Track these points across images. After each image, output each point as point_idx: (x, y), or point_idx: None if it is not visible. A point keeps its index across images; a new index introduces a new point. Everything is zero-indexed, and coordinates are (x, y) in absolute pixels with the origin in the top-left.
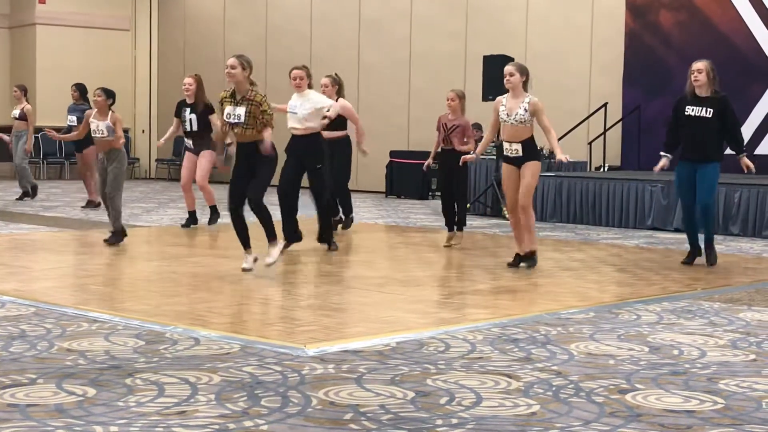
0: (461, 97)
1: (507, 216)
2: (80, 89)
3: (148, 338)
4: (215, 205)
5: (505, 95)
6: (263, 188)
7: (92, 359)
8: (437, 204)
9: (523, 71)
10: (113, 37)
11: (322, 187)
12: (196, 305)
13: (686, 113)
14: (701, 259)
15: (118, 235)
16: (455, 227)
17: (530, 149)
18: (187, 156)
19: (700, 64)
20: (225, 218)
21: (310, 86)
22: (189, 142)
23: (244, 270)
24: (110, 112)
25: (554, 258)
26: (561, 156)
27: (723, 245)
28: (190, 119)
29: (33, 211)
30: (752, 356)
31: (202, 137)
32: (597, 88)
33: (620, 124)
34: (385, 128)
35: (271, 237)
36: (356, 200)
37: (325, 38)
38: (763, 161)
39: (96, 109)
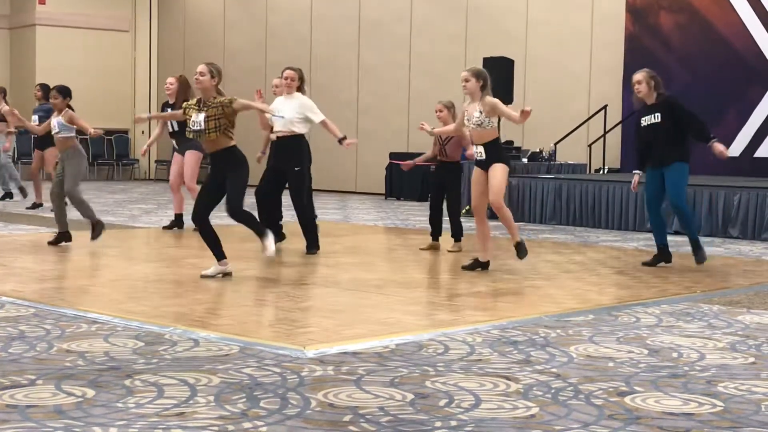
0: (449, 107)
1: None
2: (44, 89)
3: (148, 339)
4: (182, 214)
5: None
6: (240, 197)
7: (91, 360)
8: None
9: (480, 76)
10: (113, 38)
11: (301, 188)
12: (196, 307)
13: (642, 124)
14: (690, 262)
15: (99, 227)
16: (453, 238)
17: (494, 151)
18: (175, 157)
19: (638, 76)
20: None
21: (300, 90)
22: (173, 143)
23: (203, 276)
24: (66, 109)
25: (554, 260)
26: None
27: (722, 248)
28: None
29: (33, 212)
30: (751, 359)
31: (186, 137)
32: (597, 90)
33: (620, 126)
34: (384, 130)
35: (260, 232)
36: (356, 202)
37: (325, 40)
38: (763, 164)
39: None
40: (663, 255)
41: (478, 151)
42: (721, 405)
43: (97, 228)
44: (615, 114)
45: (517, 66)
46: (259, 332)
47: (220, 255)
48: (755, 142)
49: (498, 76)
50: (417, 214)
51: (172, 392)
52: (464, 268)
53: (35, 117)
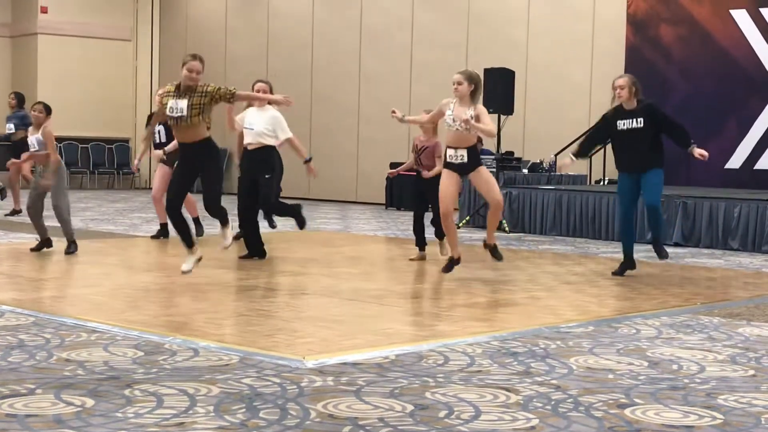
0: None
1: (507, 229)
2: (18, 97)
3: (147, 349)
4: (198, 217)
5: (451, 98)
6: (219, 192)
7: (91, 369)
8: None
9: (472, 80)
10: (114, 47)
11: (269, 194)
12: (195, 316)
13: (619, 128)
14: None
15: (73, 247)
16: (438, 238)
17: (476, 155)
18: (161, 168)
19: (621, 81)
20: (210, 228)
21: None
22: (160, 154)
23: (183, 272)
24: (44, 126)
25: (553, 271)
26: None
27: (722, 260)
28: (159, 131)
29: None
30: (751, 372)
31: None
32: (597, 101)
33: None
34: (385, 139)
35: (224, 222)
36: (356, 212)
37: (326, 48)
38: (763, 176)
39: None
40: (630, 263)
41: (460, 155)
42: (721, 417)
43: (71, 247)
44: None
45: (518, 76)
46: (259, 342)
47: (190, 243)
48: (755, 154)
49: (498, 86)
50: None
51: (172, 402)
52: (446, 270)
53: (10, 125)
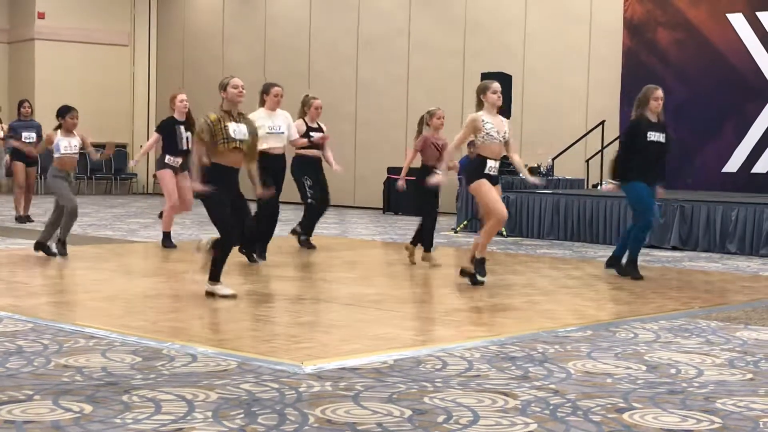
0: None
1: (505, 234)
2: (32, 106)
3: (145, 355)
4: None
5: (482, 113)
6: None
7: (89, 375)
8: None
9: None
10: (112, 52)
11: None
12: (194, 321)
13: (649, 138)
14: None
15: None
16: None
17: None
18: (171, 175)
19: (661, 92)
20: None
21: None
22: (176, 161)
23: (223, 296)
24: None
25: (551, 276)
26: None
27: (720, 263)
28: (187, 137)
29: (30, 226)
30: (749, 375)
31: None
32: (594, 105)
33: (617, 141)
34: (382, 144)
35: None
36: (354, 216)
37: (324, 55)
38: (760, 180)
39: (65, 129)
40: (635, 267)
41: (497, 166)
42: (719, 421)
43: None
44: (612, 129)
45: (515, 81)
46: (257, 347)
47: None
48: (752, 157)
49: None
50: (415, 228)
51: (170, 408)
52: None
53: (29, 134)
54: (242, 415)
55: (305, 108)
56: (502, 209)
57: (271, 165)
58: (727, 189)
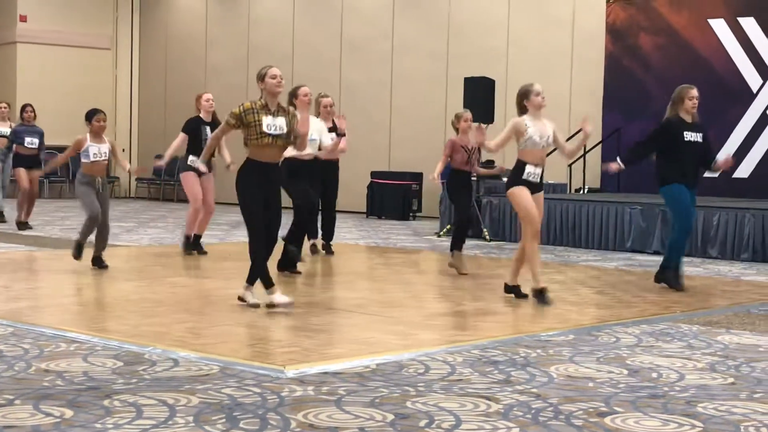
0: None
1: (488, 238)
2: (35, 110)
3: (127, 359)
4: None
5: (525, 117)
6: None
7: (70, 380)
8: (418, 225)
9: None
10: (94, 55)
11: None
12: (176, 326)
13: (686, 138)
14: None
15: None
16: (457, 249)
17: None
18: (195, 177)
19: (696, 92)
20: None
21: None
22: (201, 163)
23: (248, 304)
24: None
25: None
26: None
27: (701, 268)
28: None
29: (11, 229)
30: (731, 379)
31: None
32: (577, 110)
33: (600, 146)
34: (366, 148)
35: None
36: (337, 220)
37: (307, 58)
38: (741, 185)
39: (91, 134)
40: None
41: (539, 173)
42: (700, 426)
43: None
44: (595, 134)
45: (498, 85)
46: (239, 352)
47: (269, 282)
48: (734, 163)
49: (478, 95)
50: (398, 232)
51: (151, 413)
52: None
53: (32, 140)
54: (224, 420)
55: (317, 108)
56: (534, 218)
57: (300, 169)
58: (708, 194)
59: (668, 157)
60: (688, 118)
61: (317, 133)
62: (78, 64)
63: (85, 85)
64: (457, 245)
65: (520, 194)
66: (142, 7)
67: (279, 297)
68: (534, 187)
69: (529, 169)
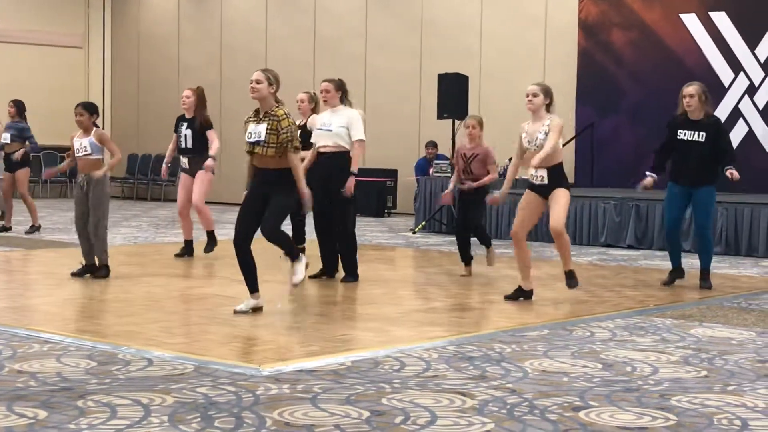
0: (481, 124)
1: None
2: (18, 106)
3: (101, 359)
4: (213, 231)
5: (527, 121)
6: (280, 220)
7: (43, 381)
8: (393, 222)
9: (548, 93)
10: (66, 54)
11: (348, 212)
12: (149, 325)
13: (678, 137)
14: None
15: (104, 271)
16: (485, 246)
17: (558, 176)
18: (183, 178)
19: (691, 89)
20: (221, 244)
21: (343, 102)
22: (184, 162)
23: (236, 312)
24: (94, 128)
25: (509, 275)
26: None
27: None
28: (186, 135)
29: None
30: (704, 372)
31: (201, 155)
32: None
33: (573, 141)
34: None
35: (293, 255)
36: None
37: (280, 57)
38: None
39: (81, 130)
40: (679, 272)
41: (540, 175)
42: (674, 419)
43: (102, 270)
44: (568, 130)
45: (472, 81)
46: (214, 351)
47: (254, 287)
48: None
49: (452, 91)
50: (373, 229)
51: (126, 413)
52: (507, 298)
53: (6, 135)
54: (199, 419)
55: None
56: (515, 222)
57: (317, 165)
58: None
59: (666, 153)
60: (692, 116)
61: (341, 123)
62: (49, 63)
63: (58, 83)
64: (485, 243)
65: (522, 200)
66: (114, 5)
67: (243, 303)
68: (537, 189)
69: (529, 171)
